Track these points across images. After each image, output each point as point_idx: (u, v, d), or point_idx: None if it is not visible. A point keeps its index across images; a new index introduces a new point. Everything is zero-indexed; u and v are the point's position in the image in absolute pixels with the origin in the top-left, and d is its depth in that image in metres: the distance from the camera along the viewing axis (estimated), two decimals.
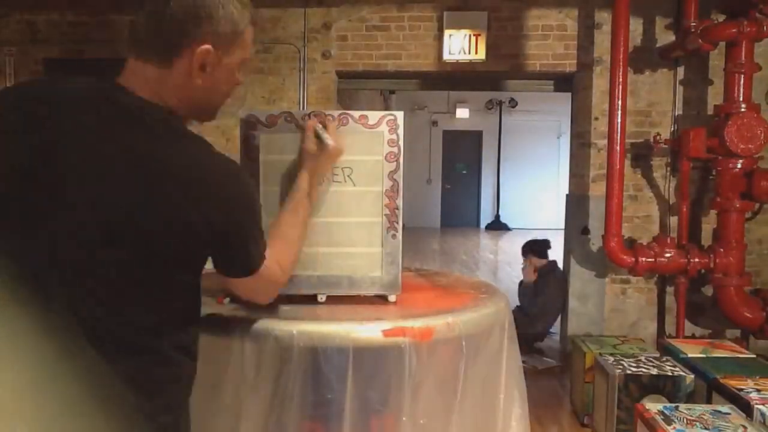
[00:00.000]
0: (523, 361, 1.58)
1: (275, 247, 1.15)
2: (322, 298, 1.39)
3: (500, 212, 13.38)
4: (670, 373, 2.85)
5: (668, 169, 4.42)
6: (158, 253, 0.96)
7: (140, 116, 0.99)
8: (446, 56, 4.50)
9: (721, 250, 4.01)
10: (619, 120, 4.03)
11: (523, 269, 5.00)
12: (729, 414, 2.32)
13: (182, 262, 1.00)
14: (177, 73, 1.02)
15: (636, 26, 4.34)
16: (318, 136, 1.33)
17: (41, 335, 0.96)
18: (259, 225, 1.10)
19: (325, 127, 1.35)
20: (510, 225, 13.17)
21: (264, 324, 1.23)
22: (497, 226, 13.19)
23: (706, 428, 2.20)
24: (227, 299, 1.38)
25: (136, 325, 0.98)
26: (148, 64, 1.01)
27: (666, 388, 2.82)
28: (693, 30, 3.97)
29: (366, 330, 1.23)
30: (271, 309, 1.32)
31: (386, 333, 1.22)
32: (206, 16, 1.01)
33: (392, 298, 1.43)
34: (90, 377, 0.96)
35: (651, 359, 3.05)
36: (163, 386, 1.02)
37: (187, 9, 0.99)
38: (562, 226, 4.85)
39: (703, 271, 4.13)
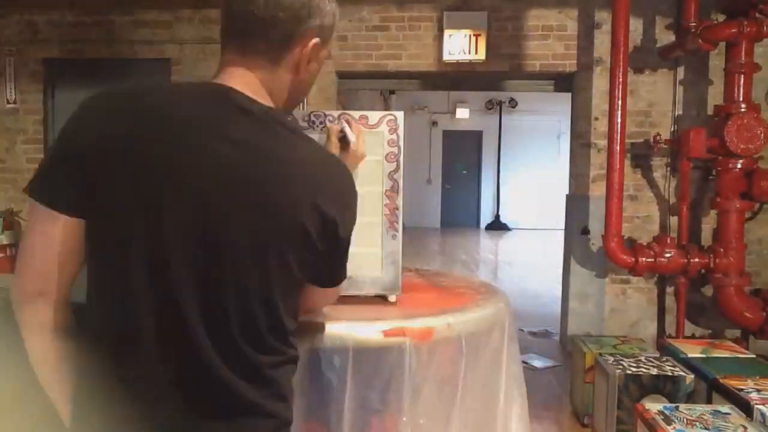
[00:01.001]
0: (524, 361, 1.58)
1: None
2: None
3: (500, 212, 13.37)
4: (670, 373, 2.85)
5: (668, 169, 4.42)
6: (279, 259, 0.90)
7: (259, 116, 0.92)
8: (446, 56, 4.51)
9: (721, 250, 4.01)
10: (619, 120, 4.03)
11: None
12: (729, 414, 2.32)
13: (295, 270, 0.93)
14: (284, 69, 0.97)
15: (636, 26, 4.34)
16: (342, 138, 1.33)
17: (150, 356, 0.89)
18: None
19: (350, 125, 1.35)
20: (510, 225, 13.17)
21: None
22: (497, 226, 13.19)
23: (706, 428, 2.20)
24: None
25: (259, 337, 0.91)
26: (253, 61, 0.95)
27: (666, 388, 2.82)
28: (693, 30, 3.97)
29: (366, 330, 1.23)
30: None
31: (386, 333, 1.22)
32: (316, 8, 0.96)
33: (392, 298, 1.43)
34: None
35: (651, 359, 3.05)
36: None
37: (298, 2, 0.94)
38: (562, 226, 4.84)
39: (703, 271, 4.13)
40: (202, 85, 0.96)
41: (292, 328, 0.97)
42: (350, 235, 0.99)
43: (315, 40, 0.97)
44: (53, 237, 0.89)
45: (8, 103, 4.78)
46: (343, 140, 1.33)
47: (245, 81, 0.94)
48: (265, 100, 0.96)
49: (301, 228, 0.89)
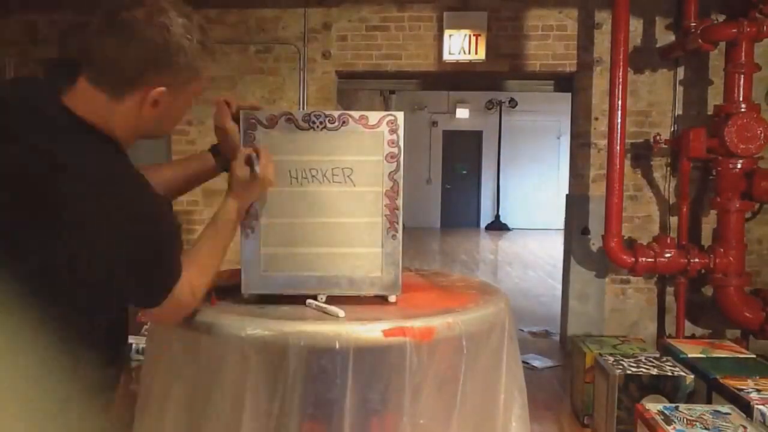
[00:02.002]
0: (524, 361, 1.58)
1: (190, 272, 1.13)
2: (322, 298, 1.39)
3: (500, 212, 13.38)
4: (670, 373, 2.85)
5: (668, 169, 4.42)
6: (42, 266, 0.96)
7: (60, 127, 0.99)
8: (446, 56, 4.51)
9: (721, 250, 4.01)
10: (619, 120, 4.03)
11: None
12: (729, 414, 2.32)
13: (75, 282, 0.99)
14: (127, 106, 1.03)
15: (636, 26, 4.34)
16: (250, 164, 1.29)
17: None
18: (166, 255, 1.07)
19: (258, 155, 1.30)
20: (510, 225, 13.17)
21: (264, 324, 1.23)
22: (497, 226, 13.19)
23: (706, 428, 2.20)
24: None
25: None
26: (98, 91, 1.01)
27: (666, 388, 2.82)
28: (693, 30, 3.97)
29: (366, 330, 1.23)
30: (270, 309, 1.32)
31: (386, 333, 1.22)
32: (166, 62, 1.01)
33: (392, 298, 1.43)
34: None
35: (651, 359, 3.05)
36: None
37: (148, 52, 0.99)
38: (562, 226, 4.84)
39: (703, 271, 4.13)
40: (33, 91, 1.05)
41: None
42: (137, 256, 1.01)
43: (159, 90, 1.02)
44: None
45: None
46: (252, 167, 1.29)
47: (83, 103, 1.01)
48: (103, 126, 1.02)
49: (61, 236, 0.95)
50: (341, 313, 1.30)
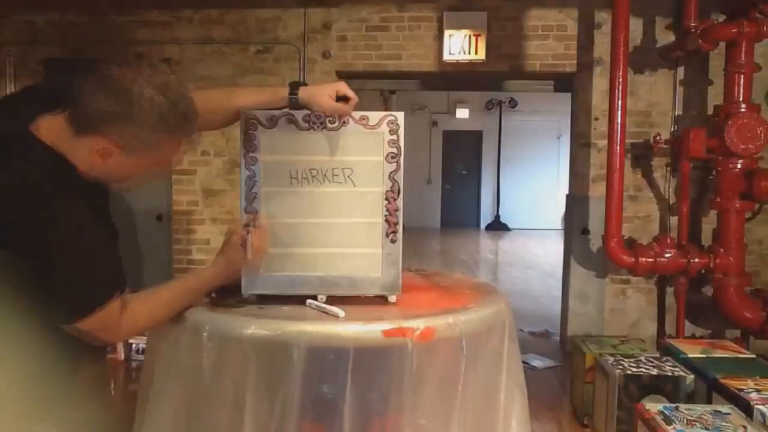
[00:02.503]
0: (524, 362, 1.58)
1: (141, 307, 1.19)
2: (322, 298, 1.39)
3: (500, 212, 13.37)
4: (670, 374, 2.85)
5: (668, 169, 4.42)
6: None
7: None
8: (446, 56, 4.50)
9: (721, 250, 4.01)
10: (619, 120, 4.03)
11: None
12: (729, 414, 2.32)
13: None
14: (81, 144, 1.08)
15: (636, 26, 4.34)
16: (245, 247, 1.29)
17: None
18: (89, 272, 1.09)
19: (248, 237, 1.30)
20: (510, 225, 13.16)
21: (265, 324, 1.23)
22: (497, 226, 13.18)
23: (706, 428, 2.20)
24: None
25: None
26: (66, 122, 1.08)
27: (666, 388, 2.82)
28: (693, 30, 3.97)
29: (366, 330, 1.23)
30: (270, 309, 1.32)
31: (387, 333, 1.22)
32: (118, 119, 1.05)
33: (392, 298, 1.43)
34: None
35: (651, 359, 3.04)
36: None
37: (108, 106, 1.04)
38: (562, 226, 4.84)
39: (703, 271, 4.13)
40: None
41: None
42: (58, 270, 1.05)
43: (102, 146, 1.08)
44: None
45: None
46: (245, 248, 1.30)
47: (49, 127, 1.09)
48: (63, 153, 1.09)
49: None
50: (341, 313, 1.30)
